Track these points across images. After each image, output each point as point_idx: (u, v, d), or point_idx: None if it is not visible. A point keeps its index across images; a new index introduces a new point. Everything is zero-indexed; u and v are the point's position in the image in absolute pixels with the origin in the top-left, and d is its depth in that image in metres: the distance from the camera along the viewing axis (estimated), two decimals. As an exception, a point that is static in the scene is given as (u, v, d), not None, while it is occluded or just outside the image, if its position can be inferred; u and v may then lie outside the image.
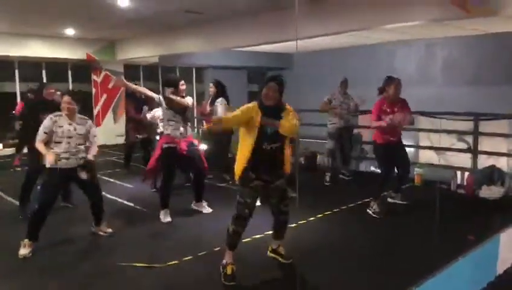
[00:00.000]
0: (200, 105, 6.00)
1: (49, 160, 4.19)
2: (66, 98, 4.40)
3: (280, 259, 3.98)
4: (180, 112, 5.18)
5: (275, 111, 3.61)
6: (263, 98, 3.62)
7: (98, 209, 4.73)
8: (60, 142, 4.31)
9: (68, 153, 4.33)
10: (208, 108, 6.90)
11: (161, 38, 10.66)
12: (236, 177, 3.69)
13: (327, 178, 7.09)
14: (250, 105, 3.65)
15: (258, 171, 3.62)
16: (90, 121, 4.60)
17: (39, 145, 4.27)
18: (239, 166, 3.64)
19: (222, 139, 7.04)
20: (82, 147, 4.45)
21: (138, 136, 7.93)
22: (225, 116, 3.63)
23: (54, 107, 4.82)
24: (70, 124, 4.38)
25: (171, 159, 5.18)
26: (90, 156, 4.46)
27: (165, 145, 5.15)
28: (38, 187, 4.64)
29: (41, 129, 4.30)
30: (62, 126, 4.33)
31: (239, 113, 3.62)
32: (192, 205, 5.61)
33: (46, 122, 4.32)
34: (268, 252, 4.07)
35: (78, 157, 4.39)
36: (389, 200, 5.84)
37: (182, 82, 5.30)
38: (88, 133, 4.51)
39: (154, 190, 6.50)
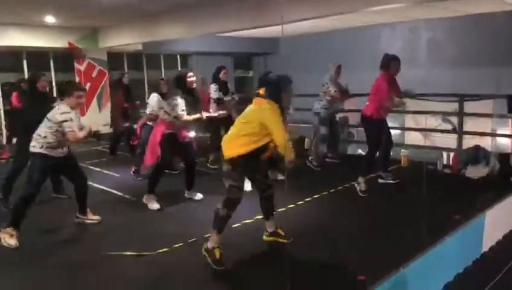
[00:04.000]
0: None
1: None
2: (79, 93, 4.41)
3: (280, 240, 3.98)
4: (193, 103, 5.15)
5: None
6: (284, 103, 3.64)
7: (83, 195, 4.71)
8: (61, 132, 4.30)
9: (63, 142, 4.38)
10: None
11: (144, 25, 10.49)
12: (227, 157, 3.64)
13: (314, 162, 7.10)
14: (277, 110, 3.58)
15: (249, 159, 3.64)
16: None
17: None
18: (236, 152, 3.60)
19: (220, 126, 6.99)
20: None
21: (126, 124, 7.95)
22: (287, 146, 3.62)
23: (50, 99, 4.91)
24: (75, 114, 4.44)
25: (171, 145, 5.15)
26: None
27: (167, 131, 5.11)
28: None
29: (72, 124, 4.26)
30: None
31: (281, 124, 3.57)
32: (185, 194, 5.58)
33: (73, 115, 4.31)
34: (264, 236, 4.07)
35: (66, 145, 4.46)
36: (380, 181, 5.89)
37: (190, 74, 5.17)
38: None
39: (139, 178, 6.48)
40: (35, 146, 4.30)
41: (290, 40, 13.83)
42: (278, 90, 3.63)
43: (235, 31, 9.89)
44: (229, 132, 3.77)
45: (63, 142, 4.38)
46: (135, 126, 7.18)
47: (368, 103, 5.65)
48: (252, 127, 3.59)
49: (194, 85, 5.20)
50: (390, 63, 5.48)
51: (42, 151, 4.29)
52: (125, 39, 11.35)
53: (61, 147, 4.39)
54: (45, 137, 4.28)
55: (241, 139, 3.62)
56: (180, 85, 5.16)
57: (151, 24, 10.26)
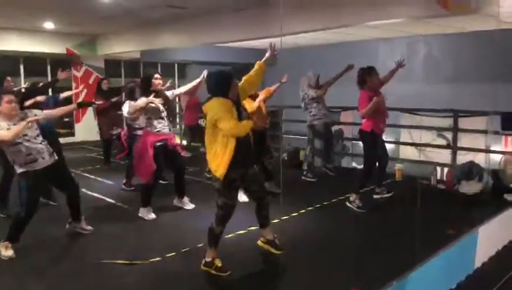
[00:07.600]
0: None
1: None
2: (8, 97, 3.94)
3: (272, 250, 3.92)
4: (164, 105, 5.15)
5: (238, 104, 3.81)
6: (233, 95, 3.67)
7: (76, 204, 4.59)
8: (20, 144, 3.97)
9: (38, 152, 4.09)
10: None
11: (143, 33, 10.52)
12: (220, 176, 3.55)
13: (309, 174, 7.09)
14: (225, 103, 3.59)
15: (239, 166, 3.59)
16: (33, 112, 4.26)
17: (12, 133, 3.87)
18: (223, 165, 3.52)
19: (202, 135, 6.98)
20: (45, 141, 4.24)
21: (112, 132, 7.82)
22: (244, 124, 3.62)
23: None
24: (13, 125, 3.95)
25: (163, 156, 5.14)
26: None
27: (158, 144, 5.08)
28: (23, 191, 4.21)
29: None
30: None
31: (230, 114, 3.54)
32: (174, 201, 5.56)
33: None
34: (259, 241, 4.01)
35: (50, 151, 4.24)
36: (375, 196, 5.87)
37: (156, 76, 5.19)
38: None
39: (132, 188, 6.45)
40: (15, 167, 4.11)
41: (288, 52, 13.86)
42: (225, 84, 3.70)
43: (234, 41, 9.93)
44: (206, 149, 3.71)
45: (31, 153, 4.04)
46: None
47: (364, 120, 5.59)
48: (212, 131, 3.57)
49: (160, 87, 5.20)
50: (365, 79, 5.42)
51: (20, 170, 4.07)
52: (123, 47, 11.35)
53: (35, 160, 4.05)
54: (7, 157, 4.09)
55: (215, 149, 3.58)
56: (145, 86, 5.14)
57: (151, 32, 10.28)
